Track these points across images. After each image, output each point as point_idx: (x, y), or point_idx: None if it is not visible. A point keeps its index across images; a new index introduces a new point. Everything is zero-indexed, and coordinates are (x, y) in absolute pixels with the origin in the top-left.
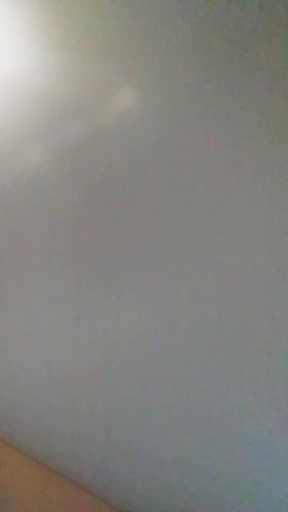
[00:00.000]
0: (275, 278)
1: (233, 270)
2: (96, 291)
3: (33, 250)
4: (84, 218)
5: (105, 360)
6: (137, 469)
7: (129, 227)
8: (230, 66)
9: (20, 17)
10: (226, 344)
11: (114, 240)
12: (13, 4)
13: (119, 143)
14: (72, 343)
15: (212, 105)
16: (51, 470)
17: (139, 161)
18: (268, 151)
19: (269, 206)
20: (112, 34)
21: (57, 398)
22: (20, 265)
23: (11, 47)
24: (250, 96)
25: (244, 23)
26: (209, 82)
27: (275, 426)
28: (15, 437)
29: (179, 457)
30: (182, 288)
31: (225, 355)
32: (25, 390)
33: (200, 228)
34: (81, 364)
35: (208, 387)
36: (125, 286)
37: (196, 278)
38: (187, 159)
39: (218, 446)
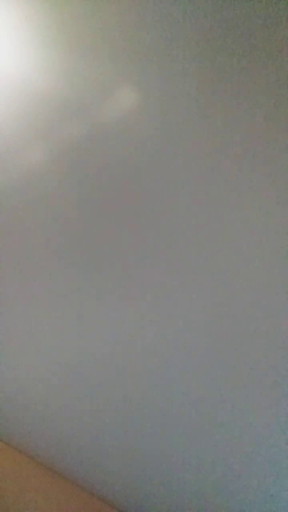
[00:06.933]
0: (277, 278)
1: (234, 270)
2: (97, 290)
3: (33, 250)
4: (85, 217)
5: (105, 360)
6: (137, 469)
7: (130, 226)
8: (230, 65)
9: (20, 17)
10: (227, 344)
11: (115, 239)
12: (13, 4)
13: (120, 143)
14: (73, 342)
15: (212, 105)
16: (51, 470)
17: (139, 160)
18: (270, 151)
19: (270, 205)
20: (112, 34)
21: (57, 398)
22: (21, 264)
23: (11, 47)
24: (251, 95)
25: (245, 21)
26: (209, 82)
27: (277, 426)
28: (15, 437)
29: (180, 457)
30: (184, 287)
31: (226, 355)
32: (26, 390)
33: (201, 227)
34: (81, 364)
35: (208, 387)
36: (126, 285)
37: (198, 276)
38: (188, 159)
39: (219, 445)
